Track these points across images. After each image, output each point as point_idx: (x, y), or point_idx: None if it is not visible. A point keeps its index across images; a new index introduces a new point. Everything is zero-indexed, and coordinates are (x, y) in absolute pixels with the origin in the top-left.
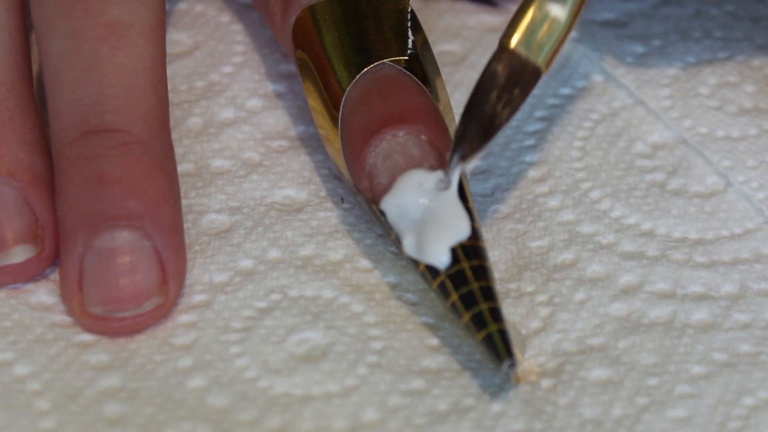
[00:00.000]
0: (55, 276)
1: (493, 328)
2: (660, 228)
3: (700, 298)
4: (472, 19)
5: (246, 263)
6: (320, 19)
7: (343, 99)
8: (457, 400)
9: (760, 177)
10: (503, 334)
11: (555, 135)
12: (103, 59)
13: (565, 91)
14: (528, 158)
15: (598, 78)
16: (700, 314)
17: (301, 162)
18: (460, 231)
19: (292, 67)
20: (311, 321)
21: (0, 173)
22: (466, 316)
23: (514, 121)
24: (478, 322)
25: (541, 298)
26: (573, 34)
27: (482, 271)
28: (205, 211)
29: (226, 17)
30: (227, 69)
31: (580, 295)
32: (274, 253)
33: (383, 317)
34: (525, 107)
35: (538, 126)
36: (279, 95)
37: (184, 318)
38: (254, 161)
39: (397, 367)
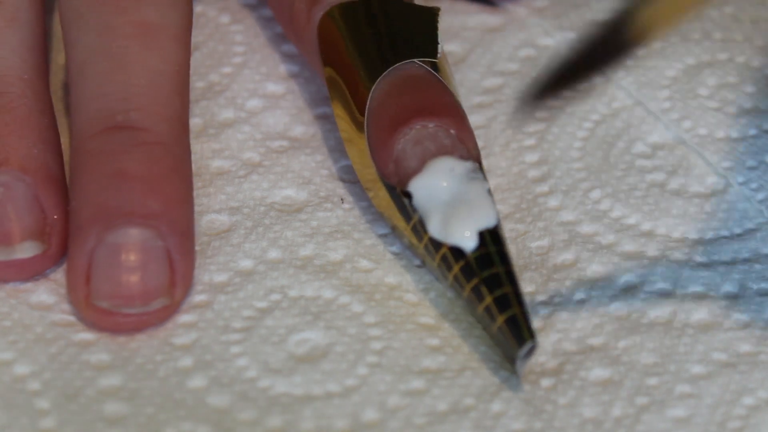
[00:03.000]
0: (55, 275)
1: (517, 310)
2: (660, 228)
3: (700, 298)
4: (472, 19)
5: (246, 263)
6: (349, 17)
7: (371, 91)
8: (457, 400)
9: (759, 177)
10: (527, 317)
11: (555, 135)
12: (132, 57)
13: (566, 92)
14: (528, 158)
15: (597, 79)
16: (700, 314)
17: (301, 162)
18: (489, 218)
19: (293, 68)
20: (311, 321)
21: (13, 168)
22: (490, 298)
23: (514, 121)
24: (503, 303)
25: (541, 298)
26: (572, 35)
27: (506, 258)
28: (205, 211)
29: (226, 18)
30: (227, 69)
31: (580, 295)
32: (274, 254)
33: (383, 317)
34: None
35: (538, 126)
36: (279, 96)
37: (184, 318)
38: (254, 161)
39: (397, 367)
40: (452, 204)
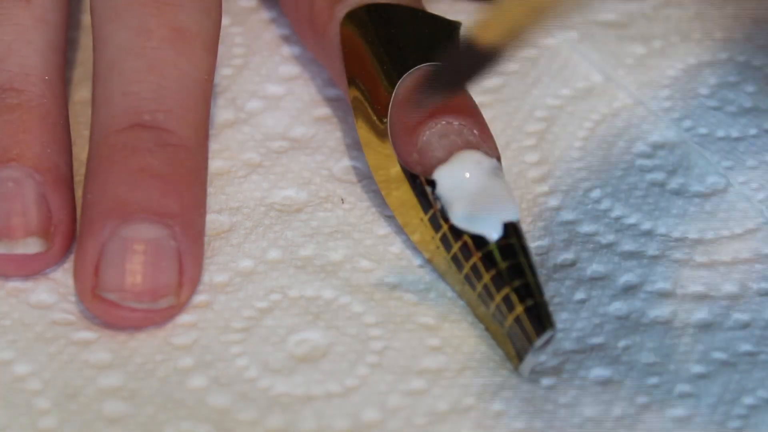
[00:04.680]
0: (55, 275)
1: (539, 299)
2: (660, 228)
3: (700, 298)
4: (472, 19)
5: (246, 263)
6: (374, 18)
7: (396, 87)
8: (457, 399)
9: (760, 177)
10: (547, 307)
11: (555, 135)
12: (166, 60)
13: (566, 91)
14: (528, 158)
15: (598, 78)
16: (700, 314)
17: (301, 163)
18: (512, 212)
19: (293, 69)
20: (311, 321)
21: (26, 165)
22: (509, 288)
23: (514, 121)
24: (524, 292)
25: None
26: (573, 34)
27: (528, 251)
28: (206, 211)
29: (226, 19)
30: (227, 71)
31: (580, 295)
32: (274, 254)
33: (383, 317)
34: (525, 107)
35: (538, 126)
36: (279, 97)
37: (184, 318)
38: (254, 162)
39: (397, 367)
40: (477, 194)
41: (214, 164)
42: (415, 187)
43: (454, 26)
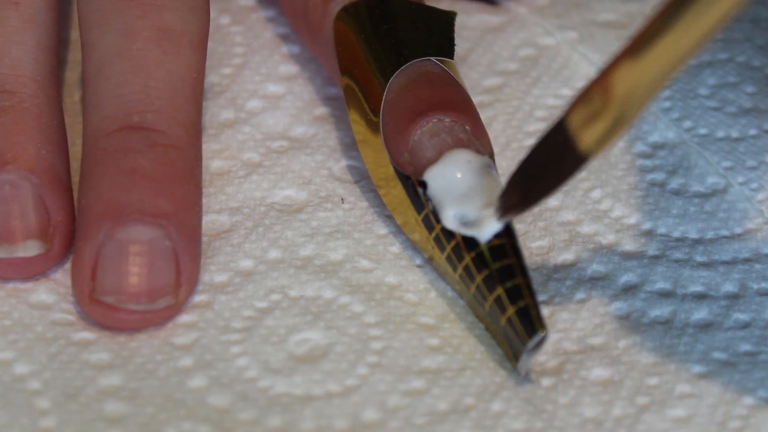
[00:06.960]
0: (55, 275)
1: (529, 301)
2: (660, 228)
3: (700, 298)
4: (472, 19)
5: (246, 263)
6: (366, 14)
7: (388, 84)
8: (457, 399)
9: (759, 177)
10: (538, 308)
11: None
12: (152, 61)
13: (566, 91)
14: None
15: None
16: (700, 314)
17: (301, 162)
18: None
19: (293, 69)
20: (311, 321)
21: (21, 167)
22: (501, 289)
23: (514, 121)
24: (515, 293)
25: (542, 298)
26: (573, 34)
27: (519, 251)
28: (206, 211)
29: (226, 19)
30: (227, 70)
31: (580, 295)
32: (274, 254)
33: (383, 317)
34: (525, 107)
35: (539, 126)
36: (279, 96)
37: (184, 318)
38: (254, 162)
39: (397, 367)
40: (468, 195)
41: (214, 164)
42: (407, 188)
43: (449, 17)
